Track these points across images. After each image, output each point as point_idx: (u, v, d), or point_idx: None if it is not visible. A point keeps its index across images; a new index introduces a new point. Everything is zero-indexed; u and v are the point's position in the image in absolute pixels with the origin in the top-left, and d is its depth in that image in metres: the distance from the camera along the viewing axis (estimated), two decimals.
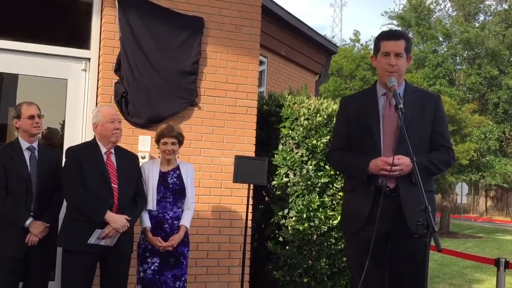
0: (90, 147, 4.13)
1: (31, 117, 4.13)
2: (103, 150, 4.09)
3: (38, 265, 4.12)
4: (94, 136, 4.17)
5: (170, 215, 4.34)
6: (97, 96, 5.13)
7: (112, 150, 4.14)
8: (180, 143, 4.45)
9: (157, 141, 4.42)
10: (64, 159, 4.14)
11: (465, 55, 30.19)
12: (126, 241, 4.07)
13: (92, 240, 3.87)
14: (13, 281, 4.05)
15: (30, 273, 4.11)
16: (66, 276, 3.98)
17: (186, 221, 4.39)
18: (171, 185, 4.37)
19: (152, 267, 4.28)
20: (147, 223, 4.29)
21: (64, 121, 5.18)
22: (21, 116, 4.12)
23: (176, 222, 4.35)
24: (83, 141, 4.81)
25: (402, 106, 3.09)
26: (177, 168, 4.46)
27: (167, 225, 4.32)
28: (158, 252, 4.26)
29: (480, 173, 23.84)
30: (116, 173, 4.05)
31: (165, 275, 4.28)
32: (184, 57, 5.21)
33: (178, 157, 4.58)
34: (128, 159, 4.23)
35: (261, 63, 8.34)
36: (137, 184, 4.22)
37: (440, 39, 31.10)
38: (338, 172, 5.80)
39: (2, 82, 5.37)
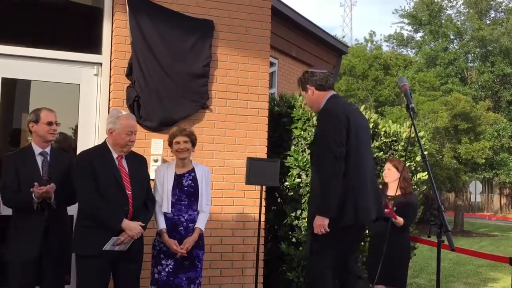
0: (102, 151, 4.09)
1: (50, 123, 4.17)
2: (115, 155, 4.08)
3: (53, 269, 4.14)
4: (105, 140, 4.16)
5: (185, 217, 4.35)
6: (109, 100, 5.16)
7: (123, 155, 4.13)
8: (193, 142, 4.45)
9: (170, 142, 4.43)
10: (76, 165, 4.11)
11: (477, 52, 29.97)
12: (137, 244, 4.08)
13: (107, 246, 3.88)
14: (28, 285, 4.08)
15: (46, 276, 4.13)
16: (82, 282, 3.99)
17: (200, 223, 4.40)
18: (186, 188, 4.38)
19: (167, 269, 4.30)
20: (162, 225, 4.30)
21: (76, 126, 5.22)
22: (39, 121, 4.15)
23: (191, 224, 4.36)
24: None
25: (413, 105, 3.15)
26: (192, 170, 4.46)
27: (182, 228, 4.33)
28: (173, 254, 4.28)
29: (493, 171, 23.68)
30: (129, 178, 4.05)
31: (179, 278, 4.30)
32: (195, 60, 5.23)
33: (191, 159, 4.59)
34: (138, 163, 4.21)
35: (271, 64, 8.35)
36: (147, 188, 4.25)
37: (451, 36, 30.90)
38: None
39: (15, 88, 5.42)
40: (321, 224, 3.89)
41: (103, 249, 3.86)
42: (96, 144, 4.93)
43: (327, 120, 3.99)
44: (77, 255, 4.04)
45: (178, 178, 4.39)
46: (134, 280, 4.15)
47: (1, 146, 4.98)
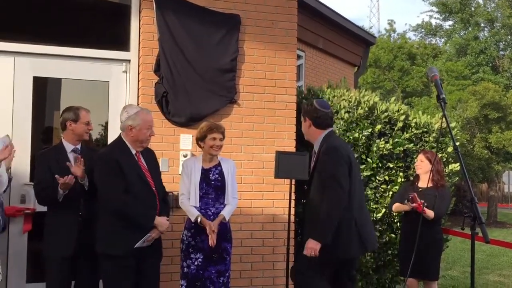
0: (122, 149, 4.02)
1: (87, 123, 4.28)
2: (133, 151, 4.04)
3: (88, 264, 4.20)
4: (120, 136, 4.09)
5: (212, 211, 4.38)
6: (138, 96, 5.21)
7: (140, 150, 4.10)
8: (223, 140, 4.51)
9: (203, 137, 4.43)
10: (101, 164, 3.97)
11: (509, 40, 29.36)
12: (158, 239, 4.11)
13: (139, 244, 3.88)
14: (64, 280, 4.17)
15: (81, 271, 4.22)
16: (110, 282, 3.95)
17: (225, 212, 4.40)
18: (213, 182, 4.41)
19: (196, 263, 4.33)
20: (196, 212, 4.32)
21: (106, 123, 5.29)
22: (79, 121, 4.24)
23: None
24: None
25: (444, 95, 3.12)
26: (219, 164, 4.49)
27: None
28: (202, 248, 4.32)
29: None
30: (149, 174, 4.05)
31: (209, 271, 4.34)
32: (222, 54, 5.24)
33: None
34: (150, 157, 4.20)
35: (298, 57, 8.31)
36: (161, 181, 4.25)
37: (482, 25, 30.32)
38: (381, 165, 5.75)
39: (47, 87, 5.50)
40: (313, 248, 3.99)
41: (135, 246, 3.86)
42: None
43: (333, 156, 4.07)
44: (104, 254, 3.93)
45: (205, 172, 4.42)
46: (158, 275, 4.18)
47: (34, 144, 5.06)
